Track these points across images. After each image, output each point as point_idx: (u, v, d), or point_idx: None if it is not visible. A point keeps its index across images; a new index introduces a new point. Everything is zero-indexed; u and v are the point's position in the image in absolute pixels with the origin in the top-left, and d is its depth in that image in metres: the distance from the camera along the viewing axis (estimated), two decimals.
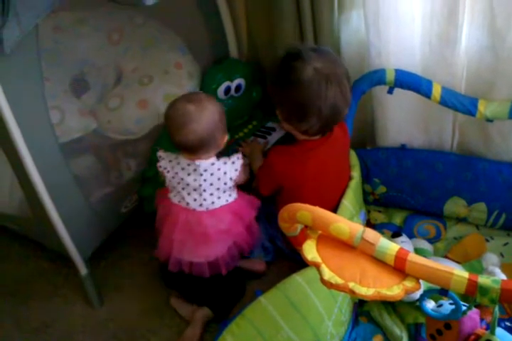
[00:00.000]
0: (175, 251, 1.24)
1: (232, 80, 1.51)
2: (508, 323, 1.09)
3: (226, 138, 1.20)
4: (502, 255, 1.29)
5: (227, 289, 1.33)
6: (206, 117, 1.13)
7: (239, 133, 1.58)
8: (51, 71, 1.32)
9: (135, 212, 1.46)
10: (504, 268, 1.18)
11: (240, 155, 1.23)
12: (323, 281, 0.79)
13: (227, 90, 1.51)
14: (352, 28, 1.33)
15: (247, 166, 1.33)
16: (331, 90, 1.11)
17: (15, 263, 1.57)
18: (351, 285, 0.77)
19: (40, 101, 1.08)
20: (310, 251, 0.84)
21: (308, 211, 0.83)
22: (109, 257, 1.53)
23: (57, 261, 1.53)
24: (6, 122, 1.02)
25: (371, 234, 0.80)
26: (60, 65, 1.42)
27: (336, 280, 0.78)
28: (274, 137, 1.57)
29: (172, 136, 1.16)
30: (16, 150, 1.07)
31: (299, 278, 1.07)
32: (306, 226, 0.89)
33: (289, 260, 1.40)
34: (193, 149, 1.16)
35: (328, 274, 0.79)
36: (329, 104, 1.11)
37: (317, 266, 0.81)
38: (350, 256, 0.82)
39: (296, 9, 1.38)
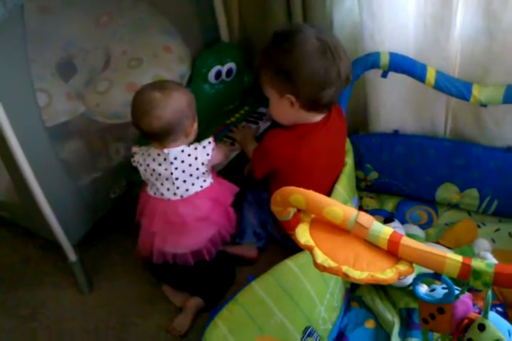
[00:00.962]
0: (157, 244, 1.24)
1: (223, 64, 1.49)
2: (499, 308, 1.10)
3: (195, 125, 1.19)
4: (493, 241, 1.30)
5: (216, 276, 1.32)
6: (171, 104, 1.12)
7: (230, 118, 1.56)
8: (37, 53, 1.30)
9: (124, 197, 1.45)
10: (496, 253, 1.18)
11: (211, 139, 1.21)
12: (316, 264, 0.78)
13: (218, 74, 1.49)
14: (345, 9, 1.31)
15: (224, 148, 1.33)
16: (341, 56, 1.11)
17: (3, 250, 1.55)
18: (344, 268, 0.76)
19: (26, 83, 1.06)
20: (303, 234, 0.82)
21: (301, 194, 0.81)
22: (99, 244, 1.52)
23: (45, 248, 1.51)
24: None
25: (365, 218, 0.79)
26: (46, 47, 1.39)
27: (329, 263, 0.77)
28: (265, 122, 1.55)
29: (137, 124, 1.14)
30: (2, 134, 1.04)
31: (290, 264, 1.07)
32: (298, 211, 0.88)
33: (280, 246, 1.39)
34: (160, 137, 1.15)
35: (321, 257, 0.78)
36: (343, 68, 1.12)
37: (310, 250, 0.80)
38: (344, 239, 0.81)
39: None
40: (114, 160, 1.40)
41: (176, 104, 1.12)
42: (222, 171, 1.36)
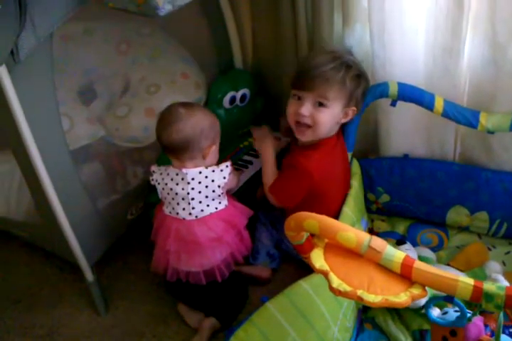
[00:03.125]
0: (171, 262, 1.26)
1: (237, 90, 1.54)
2: (511, 330, 1.11)
3: (214, 149, 1.21)
4: (504, 263, 1.31)
5: (230, 297, 1.34)
6: (193, 120, 1.18)
7: (243, 142, 1.61)
8: (59, 79, 1.34)
9: (140, 218, 1.48)
10: (506, 276, 1.19)
11: (229, 163, 1.25)
12: (331, 289, 0.80)
13: (233, 100, 1.54)
14: (356, 38, 1.36)
15: (237, 173, 1.36)
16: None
17: (20, 271, 1.58)
18: (359, 292, 0.79)
19: (52, 108, 1.11)
20: (318, 259, 0.85)
21: (315, 220, 0.84)
22: (115, 264, 1.55)
23: (62, 269, 1.54)
24: (20, 128, 1.04)
25: (378, 242, 0.82)
26: (68, 73, 1.43)
27: (345, 287, 0.80)
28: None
29: (159, 136, 1.20)
30: (28, 156, 1.09)
31: (304, 285, 1.09)
32: (311, 235, 0.91)
33: (294, 265, 1.41)
34: (177, 151, 1.20)
35: (336, 282, 0.81)
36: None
37: (325, 274, 0.82)
38: (357, 263, 0.84)
39: (295, 24, 1.42)
40: (132, 182, 1.44)
41: (197, 122, 1.18)
42: (234, 194, 1.40)
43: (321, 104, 1.21)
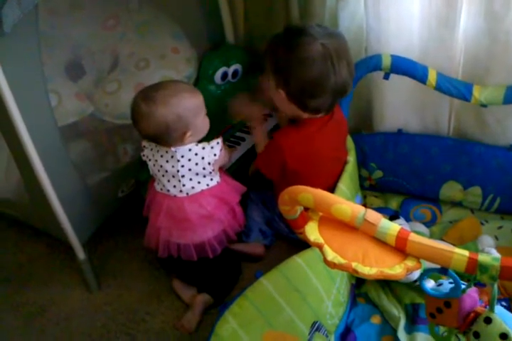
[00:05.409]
0: (162, 238, 1.26)
1: (229, 66, 1.51)
2: (503, 303, 1.12)
3: (188, 133, 1.17)
4: (496, 238, 1.32)
5: (223, 273, 1.34)
6: (155, 119, 1.12)
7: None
8: (46, 54, 1.31)
9: (132, 196, 1.46)
10: (499, 250, 1.20)
11: (220, 140, 1.22)
12: (326, 262, 0.80)
13: (224, 76, 1.51)
14: (350, 12, 1.33)
15: (228, 150, 1.34)
16: (341, 65, 1.11)
17: (11, 249, 1.57)
18: (354, 264, 0.78)
19: (39, 83, 1.08)
20: (312, 232, 0.84)
21: (310, 193, 0.83)
22: (106, 242, 1.54)
23: (53, 246, 1.53)
24: (6, 103, 1.01)
25: (373, 215, 0.81)
26: (55, 48, 1.40)
27: (339, 260, 0.79)
28: (270, 123, 1.57)
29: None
30: (16, 133, 1.06)
31: (299, 260, 1.09)
32: (305, 210, 0.90)
33: (287, 243, 1.41)
34: (153, 141, 1.20)
35: (331, 254, 0.80)
36: (340, 79, 1.12)
37: (320, 247, 0.82)
38: (352, 236, 0.83)
39: None
40: (122, 160, 1.42)
41: (160, 119, 1.12)
42: (227, 171, 1.38)
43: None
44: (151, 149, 1.22)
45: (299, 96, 1.16)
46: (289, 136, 1.23)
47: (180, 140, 1.17)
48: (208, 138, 1.26)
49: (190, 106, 1.15)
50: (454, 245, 1.27)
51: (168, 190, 1.22)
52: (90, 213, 1.33)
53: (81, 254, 1.34)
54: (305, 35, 1.11)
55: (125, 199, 1.45)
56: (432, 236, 1.35)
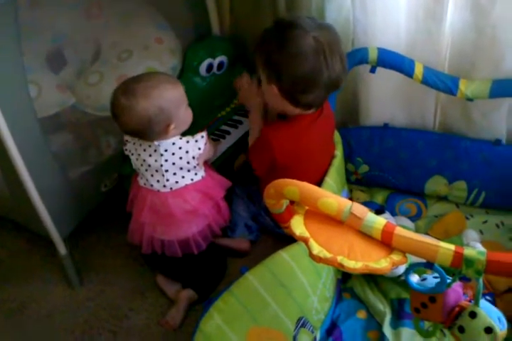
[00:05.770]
0: (146, 233, 1.24)
1: (214, 57, 1.48)
2: (488, 297, 1.12)
3: (172, 126, 1.14)
4: (481, 232, 1.32)
5: (208, 268, 1.33)
6: (136, 112, 1.09)
7: (221, 111, 1.56)
8: (26, 45, 1.27)
9: (115, 191, 1.44)
10: (484, 244, 1.20)
11: (204, 134, 1.20)
12: (311, 256, 0.79)
13: (210, 67, 1.48)
14: (337, 5, 1.31)
15: (213, 144, 1.32)
16: (334, 59, 1.08)
17: None
18: (339, 258, 0.77)
19: (19, 74, 1.05)
20: (298, 226, 0.83)
21: (295, 186, 0.82)
22: (89, 237, 1.51)
23: (34, 241, 1.50)
24: None
25: (359, 209, 0.80)
26: (35, 39, 1.36)
27: (325, 254, 0.78)
28: None
29: None
30: None
31: (284, 255, 1.08)
32: (291, 204, 0.89)
33: (273, 235, 1.40)
34: (136, 136, 1.17)
35: (316, 248, 0.79)
36: (333, 73, 1.09)
37: (305, 241, 0.80)
38: (338, 230, 0.82)
39: None
40: (105, 153, 1.39)
41: (141, 113, 1.09)
42: (212, 165, 1.36)
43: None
44: (134, 143, 1.20)
45: (291, 92, 1.13)
46: (279, 132, 1.20)
47: (163, 133, 1.14)
48: (193, 131, 1.23)
49: (172, 98, 1.12)
50: (438, 239, 1.27)
51: (152, 185, 1.19)
52: (72, 207, 1.30)
53: (62, 249, 1.31)
54: (296, 28, 1.08)
55: (108, 194, 1.43)
56: (417, 230, 1.35)
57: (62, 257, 1.33)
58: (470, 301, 0.83)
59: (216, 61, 1.48)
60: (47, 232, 1.26)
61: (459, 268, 0.76)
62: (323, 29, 1.10)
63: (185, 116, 1.18)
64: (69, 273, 1.36)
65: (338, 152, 1.35)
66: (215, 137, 1.47)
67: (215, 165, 1.39)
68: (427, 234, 1.31)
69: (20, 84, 1.06)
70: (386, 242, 0.79)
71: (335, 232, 0.82)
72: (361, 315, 1.17)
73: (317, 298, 1.11)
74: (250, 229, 1.44)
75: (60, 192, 1.25)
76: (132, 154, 1.20)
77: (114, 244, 1.49)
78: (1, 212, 1.46)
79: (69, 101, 1.30)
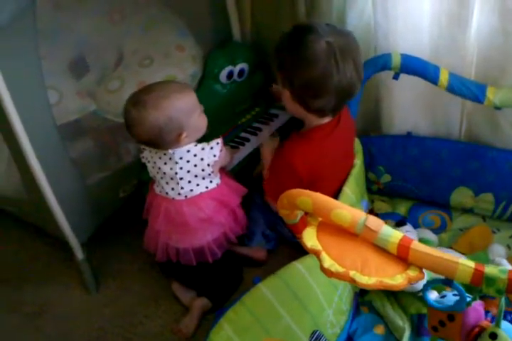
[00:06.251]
0: (160, 242, 1.23)
1: (235, 65, 1.47)
2: (510, 317, 1.07)
3: (184, 134, 1.13)
4: (509, 247, 1.26)
5: (223, 277, 1.31)
6: (147, 123, 1.09)
7: (241, 119, 1.55)
8: (49, 50, 1.30)
9: (134, 197, 1.44)
10: (510, 261, 1.15)
11: (219, 140, 1.19)
12: (323, 269, 0.76)
13: (230, 75, 1.47)
14: (358, 10, 1.28)
15: (230, 151, 1.31)
16: (346, 64, 1.07)
17: (11, 247, 1.56)
18: (352, 273, 0.75)
19: (37, 80, 1.06)
20: (310, 238, 0.81)
21: (308, 197, 0.80)
22: (107, 243, 1.51)
23: (54, 245, 1.51)
24: (2, 101, 0.99)
25: (374, 222, 0.77)
26: (58, 44, 1.38)
27: (337, 268, 0.76)
28: (276, 123, 1.53)
29: None
30: (13, 130, 1.04)
31: (299, 266, 1.05)
32: (306, 214, 0.86)
33: (291, 245, 1.37)
34: (149, 146, 1.17)
35: (328, 262, 0.77)
36: (345, 79, 1.07)
37: (317, 254, 0.78)
38: (352, 243, 0.80)
39: None
40: (124, 159, 1.40)
41: (152, 123, 1.08)
42: (230, 172, 1.35)
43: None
44: (150, 151, 1.19)
45: (302, 96, 1.12)
46: (298, 150, 1.18)
47: (175, 142, 1.14)
48: (212, 138, 1.22)
49: (182, 107, 1.11)
50: (463, 254, 1.23)
51: (167, 193, 1.19)
52: (89, 213, 1.31)
53: (80, 254, 1.32)
54: (310, 33, 1.07)
55: (127, 200, 1.43)
56: (441, 243, 1.30)
57: (80, 262, 1.33)
58: (491, 321, 0.79)
59: (237, 68, 1.47)
60: (64, 237, 1.27)
61: (479, 286, 0.72)
62: (340, 35, 1.09)
63: (197, 123, 1.16)
64: (86, 278, 1.37)
65: (358, 161, 1.33)
66: (234, 144, 1.46)
67: (234, 171, 1.37)
68: (450, 248, 1.26)
69: (39, 90, 1.07)
70: (402, 257, 0.76)
71: (349, 245, 0.80)
72: (379, 330, 1.13)
73: (332, 310, 1.08)
74: (268, 237, 1.41)
75: (78, 198, 1.25)
76: (148, 162, 1.20)
77: (132, 250, 1.49)
78: (21, 215, 1.48)
79: (89, 108, 1.31)
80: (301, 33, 1.09)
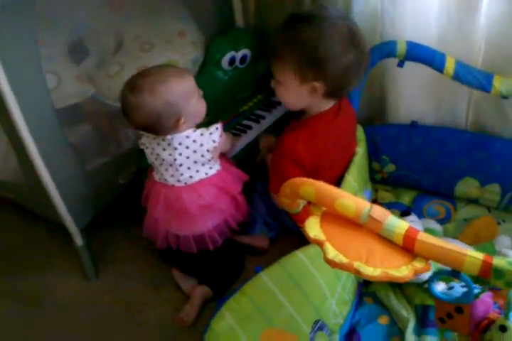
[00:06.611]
0: (160, 229, 1.22)
1: (237, 51, 1.44)
2: None
3: (182, 120, 1.10)
4: None
5: (224, 265, 1.30)
6: (144, 108, 1.07)
7: (243, 106, 1.52)
8: (48, 34, 1.27)
9: (133, 183, 1.42)
10: None
11: (219, 125, 1.16)
12: (326, 260, 0.75)
13: (232, 61, 1.44)
14: None
15: (231, 137, 1.29)
16: (365, 43, 1.09)
17: (9, 233, 1.54)
18: (356, 264, 0.73)
19: (35, 64, 1.03)
20: (313, 228, 0.79)
21: (311, 186, 0.78)
22: (107, 229, 1.50)
23: (53, 231, 1.50)
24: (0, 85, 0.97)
25: (379, 212, 0.75)
26: (58, 29, 1.36)
27: (341, 259, 0.74)
28: (279, 111, 1.51)
29: None
30: (10, 115, 1.02)
31: (301, 255, 1.04)
32: (309, 203, 0.84)
33: (292, 236, 1.36)
34: (147, 132, 1.14)
35: (332, 253, 0.75)
36: (366, 56, 1.10)
37: (320, 244, 0.76)
38: (356, 234, 0.78)
39: None
40: (124, 145, 1.38)
41: (149, 109, 1.06)
42: (233, 159, 1.33)
43: (278, 81, 1.15)
44: (148, 136, 1.17)
45: (342, 82, 1.11)
46: (301, 138, 1.16)
47: (174, 128, 1.11)
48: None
49: (180, 92, 1.09)
50: (469, 245, 1.21)
51: (166, 180, 1.17)
52: (88, 199, 1.29)
53: (79, 240, 1.31)
54: (325, 20, 1.06)
55: (127, 186, 1.41)
56: (445, 234, 1.28)
57: (79, 248, 1.32)
58: (500, 312, 0.77)
59: (239, 54, 1.44)
60: (63, 222, 1.25)
61: (487, 278, 0.70)
62: (344, 18, 1.10)
63: (196, 109, 1.14)
64: (85, 264, 1.36)
65: (360, 149, 1.31)
66: (236, 131, 1.43)
67: (236, 158, 1.36)
68: (456, 238, 1.25)
69: (37, 74, 1.05)
70: (408, 248, 0.75)
71: (353, 236, 0.78)
72: (383, 320, 1.12)
73: (335, 301, 1.07)
74: (270, 226, 1.40)
75: (76, 184, 1.24)
76: (147, 148, 1.18)
77: (131, 236, 1.47)
78: (18, 200, 1.46)
79: (88, 92, 1.29)
80: (316, 21, 1.06)
